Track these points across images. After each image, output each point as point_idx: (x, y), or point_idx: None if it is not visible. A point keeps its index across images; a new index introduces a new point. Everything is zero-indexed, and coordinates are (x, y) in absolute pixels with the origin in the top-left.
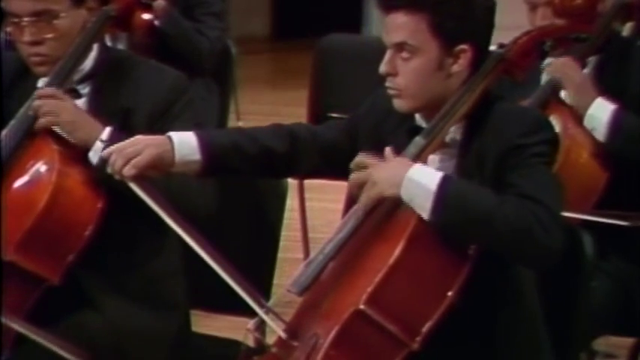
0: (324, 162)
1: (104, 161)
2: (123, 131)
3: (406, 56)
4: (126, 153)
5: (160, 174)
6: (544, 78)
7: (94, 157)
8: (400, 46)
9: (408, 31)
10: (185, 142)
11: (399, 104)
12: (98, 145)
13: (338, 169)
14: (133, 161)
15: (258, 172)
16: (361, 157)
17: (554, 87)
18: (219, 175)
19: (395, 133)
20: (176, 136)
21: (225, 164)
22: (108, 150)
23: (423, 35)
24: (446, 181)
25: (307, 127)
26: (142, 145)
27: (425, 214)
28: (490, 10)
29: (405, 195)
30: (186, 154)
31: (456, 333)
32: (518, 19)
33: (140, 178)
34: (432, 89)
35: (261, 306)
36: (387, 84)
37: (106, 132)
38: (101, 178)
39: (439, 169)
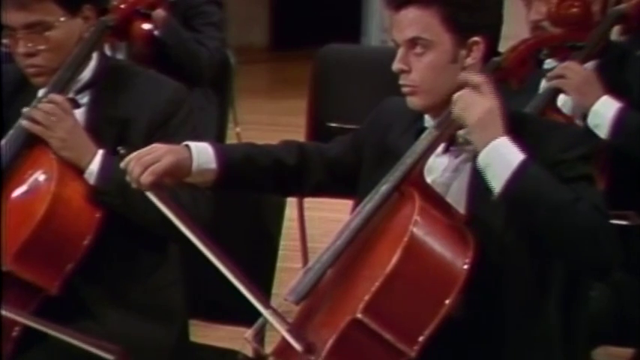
0: (329, 177)
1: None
2: (121, 141)
3: (420, 51)
4: (144, 160)
5: (176, 182)
6: (543, 85)
7: (89, 178)
8: (413, 42)
9: (421, 26)
10: (202, 151)
11: (413, 102)
12: (91, 169)
13: (341, 185)
14: (151, 168)
15: (270, 184)
16: (474, 77)
17: (551, 95)
18: (231, 186)
19: (402, 137)
20: (193, 144)
21: (239, 175)
22: (126, 159)
23: (436, 29)
24: (528, 161)
25: (314, 143)
26: (160, 152)
27: (496, 185)
28: (499, 2)
29: (483, 160)
30: (203, 162)
31: (456, 342)
32: (515, 30)
33: (157, 186)
34: (446, 83)
35: (284, 322)
36: (401, 81)
37: (99, 155)
38: (100, 200)
39: (452, 169)
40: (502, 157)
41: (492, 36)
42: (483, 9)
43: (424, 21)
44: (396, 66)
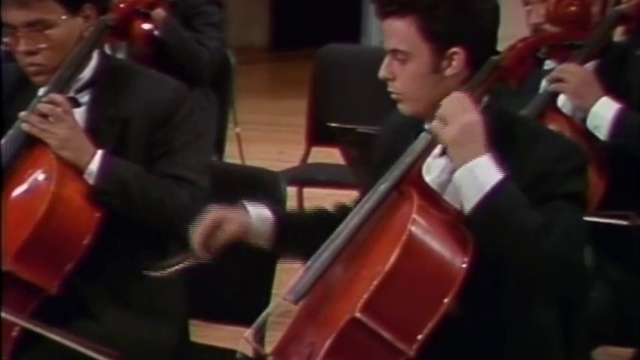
0: None
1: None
2: (122, 140)
3: (401, 62)
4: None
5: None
6: (543, 85)
7: (88, 177)
8: (394, 52)
9: (399, 37)
10: (255, 205)
11: (402, 108)
12: (91, 168)
13: None
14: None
15: (320, 231)
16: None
17: (551, 96)
18: (290, 234)
19: (406, 140)
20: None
21: (292, 221)
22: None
23: (414, 40)
24: (501, 185)
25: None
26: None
27: (467, 206)
28: (487, 12)
29: (457, 179)
30: (259, 211)
31: (455, 341)
32: (513, 30)
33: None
34: (430, 92)
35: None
36: (389, 89)
37: (98, 155)
38: (100, 200)
39: (449, 171)
40: (475, 180)
41: (475, 46)
42: (462, 19)
43: (402, 32)
44: (381, 74)
